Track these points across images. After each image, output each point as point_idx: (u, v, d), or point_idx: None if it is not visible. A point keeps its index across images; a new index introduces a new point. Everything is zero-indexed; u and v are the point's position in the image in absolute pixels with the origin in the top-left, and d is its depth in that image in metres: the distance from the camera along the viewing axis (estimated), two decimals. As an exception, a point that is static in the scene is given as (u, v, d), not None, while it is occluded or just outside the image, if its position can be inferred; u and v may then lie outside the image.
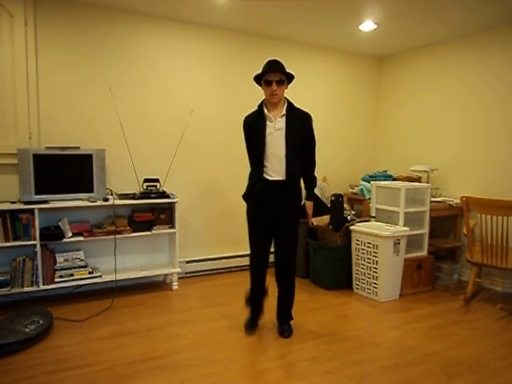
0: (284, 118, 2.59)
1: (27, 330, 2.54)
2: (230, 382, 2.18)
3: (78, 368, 2.29)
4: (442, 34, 4.04)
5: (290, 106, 2.64)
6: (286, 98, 2.66)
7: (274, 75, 2.53)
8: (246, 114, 2.74)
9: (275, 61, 2.57)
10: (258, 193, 2.63)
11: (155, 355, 2.45)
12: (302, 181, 2.71)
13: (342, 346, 2.60)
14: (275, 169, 2.59)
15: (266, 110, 2.61)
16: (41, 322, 2.65)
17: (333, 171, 4.81)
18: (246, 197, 2.72)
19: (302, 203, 2.74)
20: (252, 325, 2.82)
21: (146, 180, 3.55)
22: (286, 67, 2.60)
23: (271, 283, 2.83)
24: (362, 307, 3.29)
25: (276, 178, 2.60)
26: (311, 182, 2.74)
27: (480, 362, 2.44)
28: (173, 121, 3.84)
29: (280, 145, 2.57)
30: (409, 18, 3.59)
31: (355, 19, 3.65)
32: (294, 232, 2.71)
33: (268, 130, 2.59)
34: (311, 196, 2.76)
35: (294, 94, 4.39)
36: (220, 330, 2.82)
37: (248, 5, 3.35)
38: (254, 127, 2.64)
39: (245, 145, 2.75)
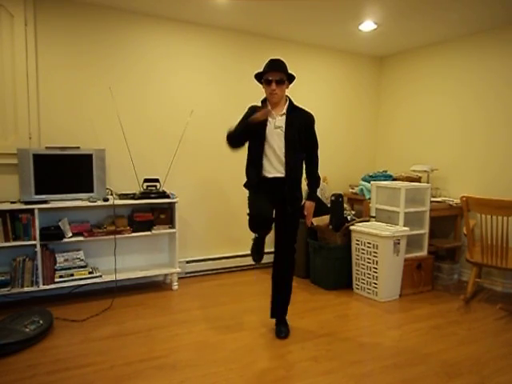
0: (284, 117, 2.58)
1: (27, 329, 2.54)
2: (230, 382, 2.18)
3: (78, 368, 2.29)
4: (442, 34, 4.04)
5: (291, 105, 2.63)
6: (287, 96, 2.65)
7: (274, 74, 2.52)
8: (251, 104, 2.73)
9: (277, 60, 2.56)
10: (257, 186, 2.63)
11: (155, 355, 2.45)
12: (303, 181, 2.69)
13: (341, 346, 2.60)
14: (274, 166, 2.58)
15: (268, 107, 2.60)
16: (41, 321, 2.65)
17: (333, 171, 4.81)
18: (247, 186, 2.71)
19: (302, 203, 2.72)
20: (258, 252, 2.65)
21: (146, 180, 3.55)
22: (287, 67, 2.59)
23: (267, 281, 2.82)
24: (362, 307, 3.29)
25: (275, 175, 2.59)
26: (313, 182, 2.72)
27: (480, 362, 2.44)
28: (173, 121, 3.84)
29: (279, 143, 2.56)
30: (409, 18, 3.59)
31: (355, 19, 3.65)
32: (294, 230, 2.68)
33: (268, 127, 2.58)
34: (312, 197, 2.73)
35: (294, 93, 4.39)
36: (220, 329, 2.82)
37: (248, 5, 3.35)
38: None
39: (238, 120, 2.69)
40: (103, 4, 3.40)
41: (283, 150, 2.56)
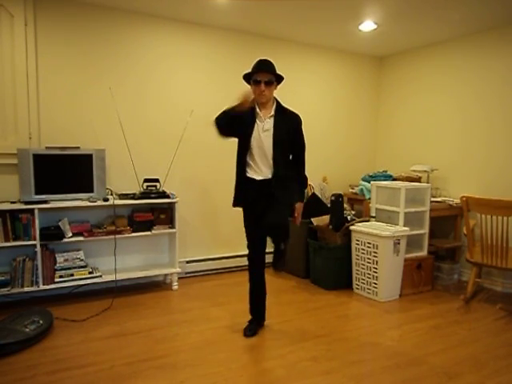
0: (272, 119, 2.58)
1: (27, 330, 2.54)
2: (230, 382, 2.18)
3: (78, 368, 2.29)
4: (442, 34, 4.04)
5: (279, 106, 2.63)
6: (275, 97, 2.64)
7: (263, 75, 2.51)
8: None
9: (265, 61, 2.55)
10: (245, 195, 2.64)
11: (155, 355, 2.45)
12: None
13: (342, 346, 2.60)
14: (262, 169, 2.58)
15: (257, 109, 2.59)
16: (41, 322, 2.65)
17: (333, 171, 4.81)
18: (235, 204, 2.71)
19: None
20: (250, 329, 2.76)
21: (146, 180, 3.55)
22: (277, 67, 2.58)
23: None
24: (362, 307, 3.29)
25: (263, 178, 2.59)
26: (301, 183, 2.73)
27: (480, 362, 2.44)
28: (173, 121, 3.84)
29: (267, 145, 2.55)
30: (409, 18, 3.59)
31: (355, 19, 3.65)
32: (284, 208, 2.56)
33: (256, 131, 2.57)
34: (301, 197, 2.73)
35: (294, 93, 4.39)
36: (220, 330, 2.82)
37: (248, 5, 3.35)
38: (243, 123, 2.58)
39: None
40: (103, 4, 3.40)
41: (271, 153, 2.55)
